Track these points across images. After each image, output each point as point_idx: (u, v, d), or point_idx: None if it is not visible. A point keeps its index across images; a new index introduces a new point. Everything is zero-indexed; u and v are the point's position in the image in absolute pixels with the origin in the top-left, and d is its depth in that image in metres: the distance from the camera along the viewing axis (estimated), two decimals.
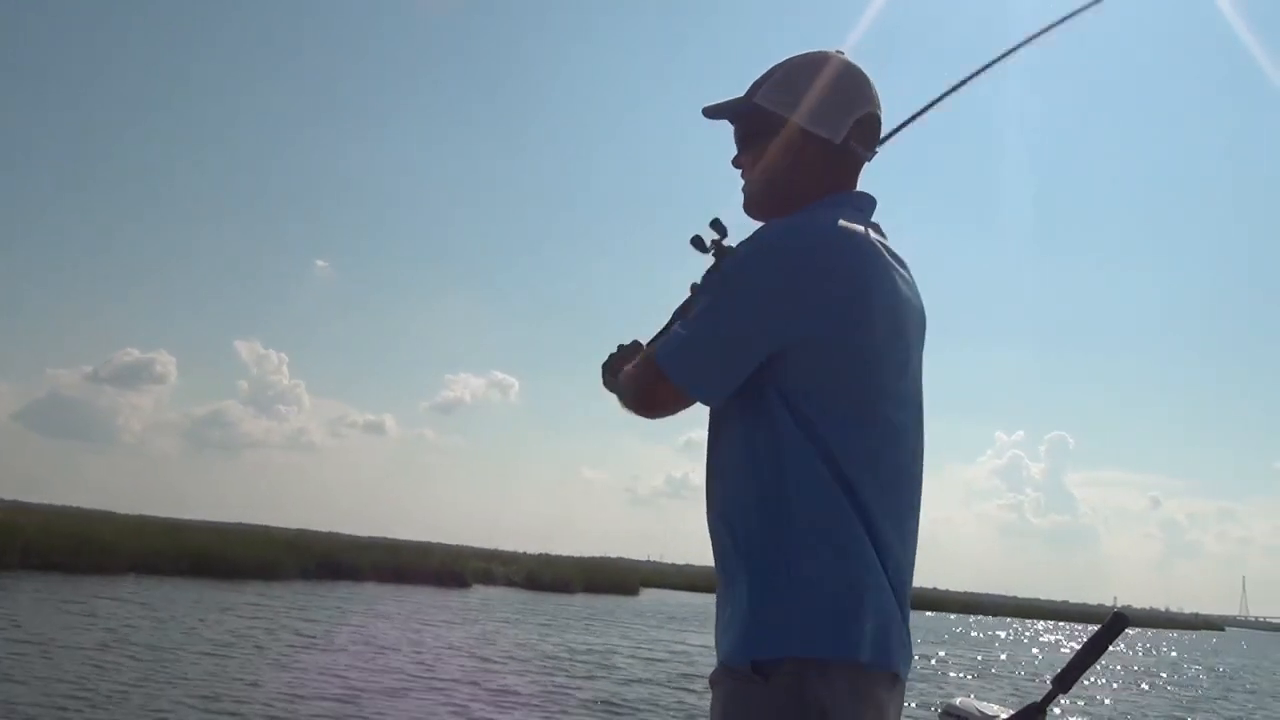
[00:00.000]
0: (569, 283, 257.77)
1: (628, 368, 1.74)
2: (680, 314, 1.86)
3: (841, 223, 1.61)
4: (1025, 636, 42.35)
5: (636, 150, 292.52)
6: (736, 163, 1.81)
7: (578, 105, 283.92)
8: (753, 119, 1.77)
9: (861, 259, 1.58)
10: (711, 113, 1.82)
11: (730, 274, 1.61)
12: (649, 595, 43.85)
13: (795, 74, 1.75)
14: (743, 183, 1.80)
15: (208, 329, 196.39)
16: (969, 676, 18.55)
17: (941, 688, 15.46)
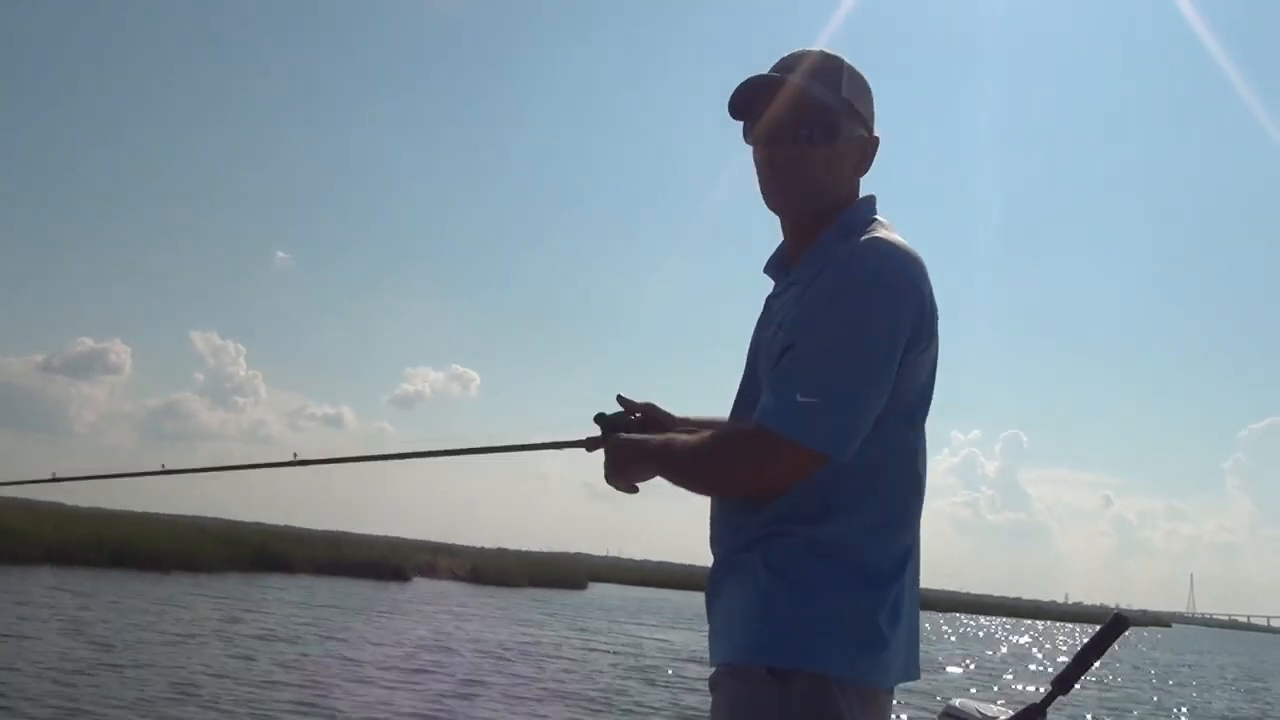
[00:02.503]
0: (530, 277, 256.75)
1: (699, 448, 1.62)
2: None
3: (906, 243, 1.61)
4: (980, 633, 42.22)
5: (600, 147, 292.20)
6: (790, 148, 1.66)
7: (542, 102, 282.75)
8: (843, 115, 1.67)
9: (930, 283, 1.60)
10: (797, 87, 1.65)
11: (847, 317, 1.51)
12: (597, 590, 43.43)
13: (860, 80, 1.70)
14: (789, 168, 1.67)
15: (164, 319, 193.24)
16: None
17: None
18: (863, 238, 1.59)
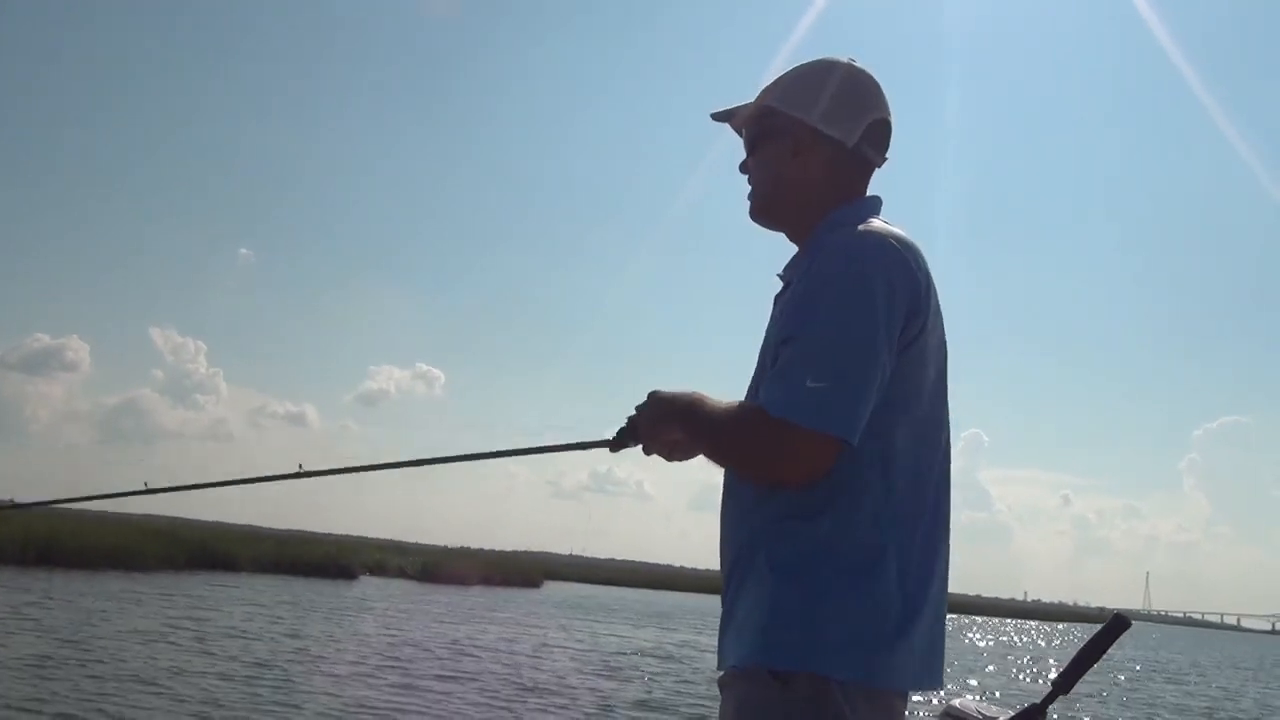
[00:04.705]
0: (496, 276, 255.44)
1: (723, 427, 1.59)
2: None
3: (899, 232, 1.62)
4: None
5: (564, 147, 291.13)
6: (744, 167, 1.79)
7: (510, 102, 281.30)
8: (764, 121, 1.74)
9: (926, 271, 1.61)
10: (722, 116, 1.82)
11: (839, 301, 1.52)
12: (553, 588, 42.78)
13: (808, 77, 1.74)
14: (750, 188, 1.78)
15: (123, 315, 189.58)
16: None
17: None
18: (849, 228, 1.61)
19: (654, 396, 1.73)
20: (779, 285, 1.76)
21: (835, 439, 1.45)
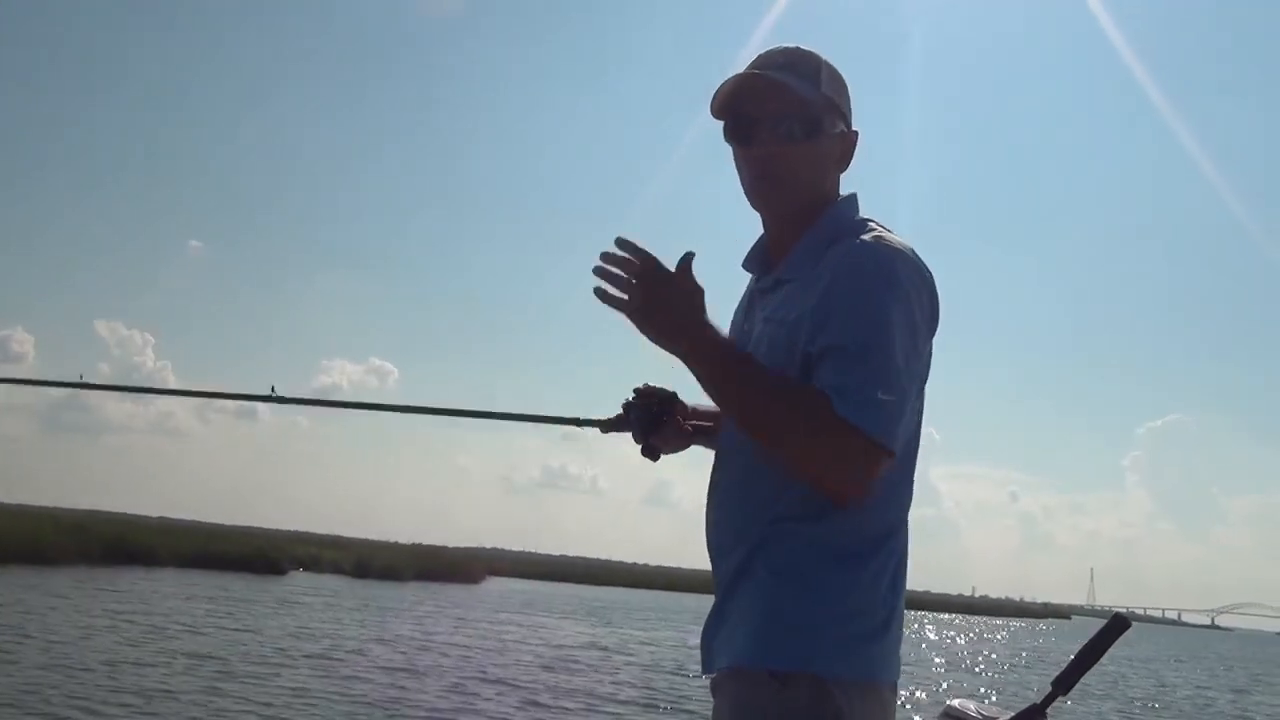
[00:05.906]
0: (450, 270, 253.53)
1: (780, 408, 1.49)
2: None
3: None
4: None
5: (519, 139, 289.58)
6: (773, 147, 1.64)
7: (461, 91, 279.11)
8: (824, 110, 1.66)
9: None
10: (778, 84, 1.63)
11: (888, 315, 1.49)
12: (494, 584, 42.00)
13: (838, 76, 1.71)
14: (772, 166, 1.65)
15: (69, 307, 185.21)
16: None
17: None
18: (868, 236, 1.58)
19: (662, 291, 1.49)
20: (745, 277, 1.77)
21: (891, 454, 1.46)
